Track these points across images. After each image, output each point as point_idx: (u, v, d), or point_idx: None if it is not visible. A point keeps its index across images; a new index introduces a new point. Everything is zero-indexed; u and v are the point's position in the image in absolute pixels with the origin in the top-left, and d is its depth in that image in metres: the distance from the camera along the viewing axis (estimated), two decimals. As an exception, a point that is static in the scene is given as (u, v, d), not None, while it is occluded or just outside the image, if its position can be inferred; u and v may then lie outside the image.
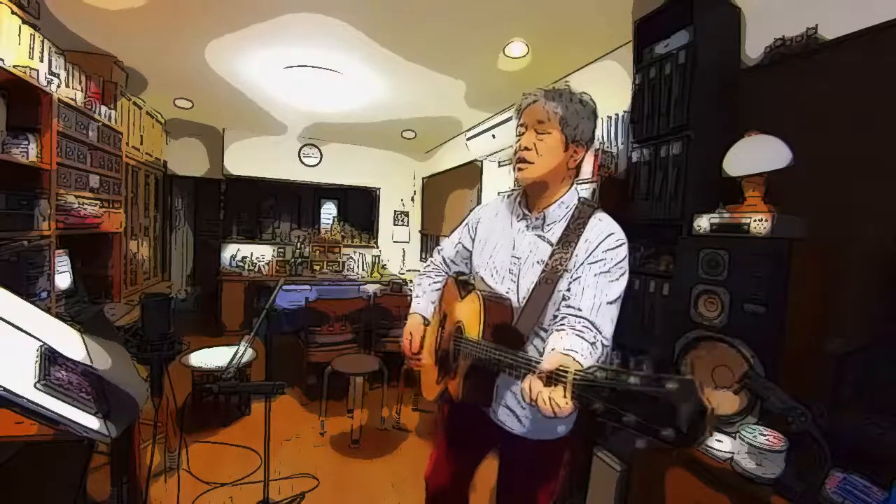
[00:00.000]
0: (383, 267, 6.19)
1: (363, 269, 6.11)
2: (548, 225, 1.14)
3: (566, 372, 0.73)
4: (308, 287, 4.31)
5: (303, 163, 5.84)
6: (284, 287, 3.37)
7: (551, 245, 1.10)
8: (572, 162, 1.11)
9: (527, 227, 1.18)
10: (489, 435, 1.26)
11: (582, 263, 1.04)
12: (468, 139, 4.24)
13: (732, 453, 1.32)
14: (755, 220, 1.46)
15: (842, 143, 1.50)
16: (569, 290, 1.04)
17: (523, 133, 1.13)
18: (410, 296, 1.48)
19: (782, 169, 1.48)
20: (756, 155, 1.53)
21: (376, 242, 6.33)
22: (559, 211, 1.13)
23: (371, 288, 4.74)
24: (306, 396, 3.49)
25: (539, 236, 1.14)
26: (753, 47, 1.80)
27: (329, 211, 7.04)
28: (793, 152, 1.48)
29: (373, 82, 3.50)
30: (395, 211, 6.39)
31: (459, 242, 1.40)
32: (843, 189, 1.49)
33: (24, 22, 2.25)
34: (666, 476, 1.50)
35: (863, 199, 1.45)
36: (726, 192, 1.63)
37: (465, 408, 1.26)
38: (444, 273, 1.46)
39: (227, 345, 3.31)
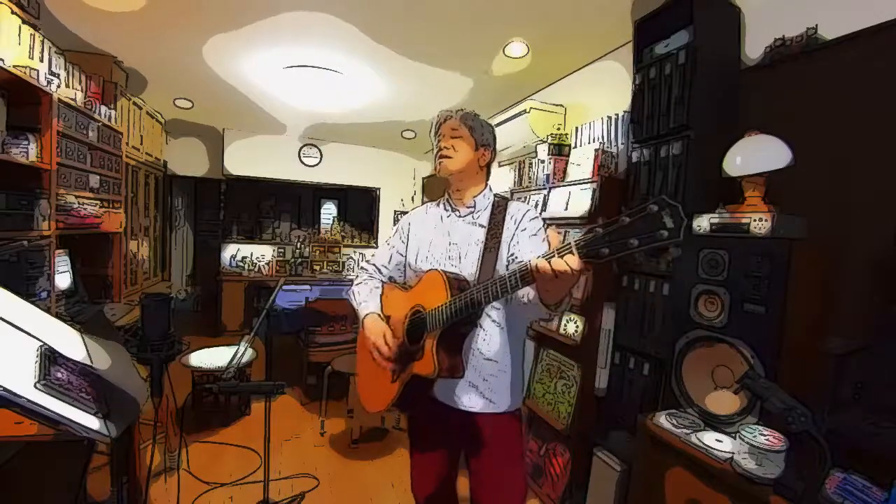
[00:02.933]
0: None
1: (363, 269, 6.11)
2: (477, 212, 1.37)
3: (567, 244, 0.87)
4: (308, 287, 4.32)
5: (303, 163, 5.84)
6: (284, 287, 3.37)
7: (483, 227, 1.34)
8: (482, 160, 1.38)
9: (458, 216, 1.39)
10: (454, 425, 1.32)
11: (515, 233, 1.29)
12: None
13: (732, 453, 1.32)
14: (755, 220, 1.46)
15: (842, 143, 1.50)
16: (512, 255, 1.26)
17: (441, 140, 1.36)
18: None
19: (782, 169, 1.48)
20: (756, 155, 1.53)
21: (376, 242, 6.32)
22: (484, 201, 1.38)
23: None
24: (306, 396, 3.50)
25: (472, 223, 1.37)
26: (753, 47, 1.80)
27: (329, 211, 7.03)
28: (793, 152, 1.48)
29: (373, 82, 3.50)
30: (395, 211, 6.39)
31: (393, 248, 1.50)
32: (843, 189, 1.49)
33: (24, 22, 2.24)
34: (666, 476, 1.50)
35: (863, 199, 1.45)
36: (726, 192, 1.63)
37: (430, 409, 1.32)
38: (378, 279, 1.50)
39: (227, 345, 3.31)
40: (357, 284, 1.50)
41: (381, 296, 1.44)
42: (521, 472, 1.38)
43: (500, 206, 1.35)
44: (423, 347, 1.19)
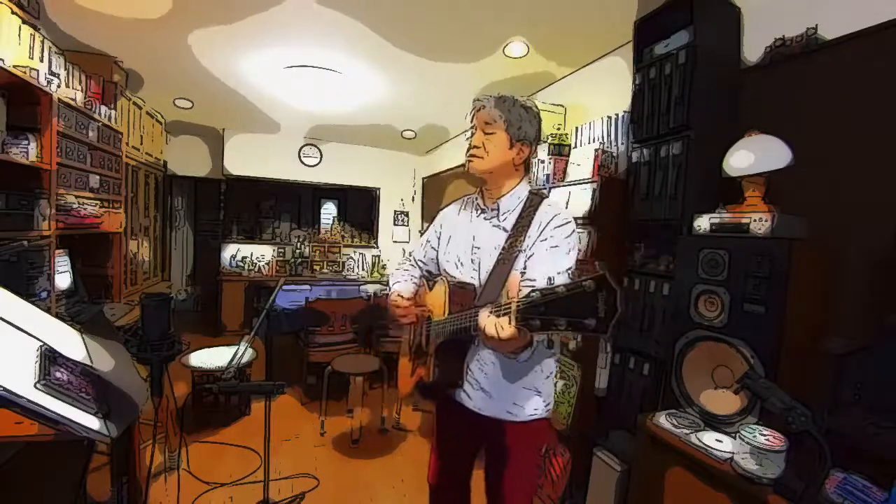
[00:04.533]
0: (383, 267, 6.19)
1: (363, 269, 6.11)
2: (502, 214, 1.26)
3: (509, 303, 0.85)
4: (308, 287, 4.31)
5: (303, 163, 5.84)
6: (284, 287, 3.37)
7: (506, 231, 1.23)
8: (518, 158, 1.24)
9: (484, 218, 1.30)
10: (476, 427, 1.31)
11: (535, 242, 1.17)
12: (468, 139, 4.24)
13: (732, 453, 1.32)
14: (755, 220, 1.46)
15: (842, 142, 1.50)
16: (525, 267, 1.17)
17: (474, 133, 1.26)
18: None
19: (782, 169, 1.48)
20: (756, 155, 1.53)
21: (376, 242, 6.32)
22: (511, 202, 1.26)
23: (371, 288, 4.73)
24: (306, 396, 3.49)
25: (495, 226, 1.27)
26: (753, 47, 1.80)
27: (329, 211, 7.03)
28: (793, 152, 1.48)
29: (373, 82, 3.50)
30: (395, 211, 6.39)
31: (428, 242, 1.49)
32: (843, 189, 1.49)
33: (24, 22, 2.25)
34: (666, 476, 1.50)
35: (863, 199, 1.45)
36: (726, 192, 1.63)
37: (450, 405, 1.34)
38: (417, 270, 1.53)
39: (227, 345, 3.31)
40: (396, 270, 1.55)
41: (422, 288, 1.46)
42: (527, 482, 1.35)
43: (530, 208, 1.22)
44: (428, 352, 1.24)
